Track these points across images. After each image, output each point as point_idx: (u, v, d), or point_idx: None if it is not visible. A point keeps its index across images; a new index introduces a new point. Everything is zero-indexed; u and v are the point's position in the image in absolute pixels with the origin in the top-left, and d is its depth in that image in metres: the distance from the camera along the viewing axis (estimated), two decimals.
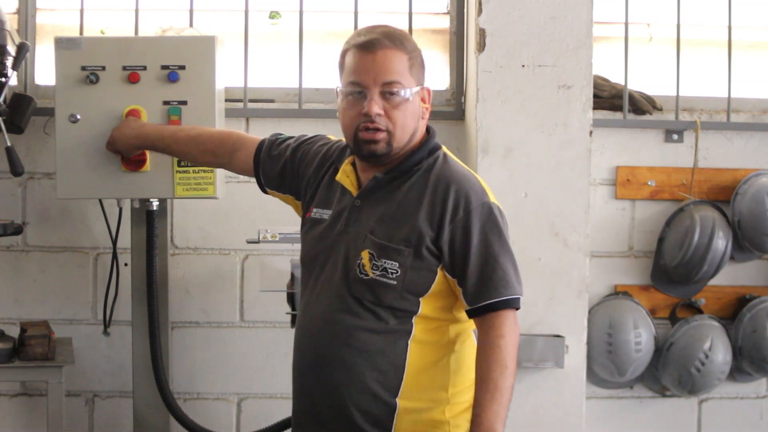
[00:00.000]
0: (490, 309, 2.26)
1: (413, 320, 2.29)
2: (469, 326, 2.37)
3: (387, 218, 2.29)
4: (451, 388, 2.33)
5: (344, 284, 2.29)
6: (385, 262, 2.26)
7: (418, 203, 2.28)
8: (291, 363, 3.84)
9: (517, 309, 2.30)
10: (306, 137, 2.60)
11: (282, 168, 2.57)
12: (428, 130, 2.40)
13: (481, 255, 2.26)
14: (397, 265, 2.25)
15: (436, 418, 2.31)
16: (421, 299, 2.28)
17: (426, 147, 2.35)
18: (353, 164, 2.40)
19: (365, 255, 2.28)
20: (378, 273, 2.26)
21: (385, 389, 2.28)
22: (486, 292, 2.26)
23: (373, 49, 2.26)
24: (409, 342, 2.29)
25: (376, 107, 2.25)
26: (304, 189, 2.50)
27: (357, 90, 2.28)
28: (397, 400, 2.28)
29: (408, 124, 2.30)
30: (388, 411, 2.28)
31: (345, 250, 2.31)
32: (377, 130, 2.26)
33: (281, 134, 2.66)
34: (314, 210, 2.42)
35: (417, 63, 2.32)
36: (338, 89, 2.35)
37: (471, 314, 2.29)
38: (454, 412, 2.33)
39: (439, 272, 2.28)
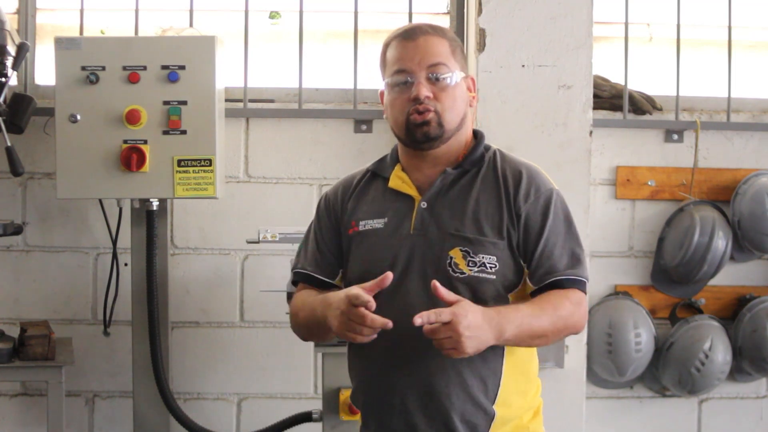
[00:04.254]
0: (556, 286, 2.22)
1: None
2: None
3: (471, 214, 2.25)
4: (530, 393, 2.31)
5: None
6: (483, 257, 2.21)
7: (497, 196, 2.26)
8: (292, 363, 3.85)
9: (585, 293, 2.26)
10: (314, 218, 2.47)
11: (327, 249, 2.40)
12: (476, 134, 2.39)
13: (552, 236, 2.24)
14: (495, 258, 2.21)
15: (518, 425, 2.28)
16: (510, 296, 2.24)
17: (482, 143, 2.35)
18: (404, 170, 2.34)
19: (456, 253, 2.22)
20: (476, 269, 2.21)
21: (487, 397, 2.22)
22: (555, 271, 2.23)
23: (414, 36, 2.27)
24: (504, 347, 2.23)
25: (425, 90, 2.24)
26: (343, 223, 2.38)
27: (403, 79, 2.26)
28: (494, 407, 2.23)
29: (458, 106, 2.28)
30: (488, 419, 2.23)
31: (425, 252, 2.24)
32: (427, 110, 2.24)
33: (297, 261, 2.49)
34: (361, 223, 2.32)
35: (458, 50, 2.32)
36: (384, 83, 2.31)
37: (538, 293, 2.24)
38: (529, 416, 2.30)
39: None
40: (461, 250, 2.22)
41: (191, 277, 3.76)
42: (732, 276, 3.92)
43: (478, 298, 2.20)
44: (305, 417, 3.41)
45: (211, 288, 3.78)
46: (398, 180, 2.33)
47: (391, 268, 2.23)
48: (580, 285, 2.25)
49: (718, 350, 3.77)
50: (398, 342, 2.22)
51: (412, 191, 2.31)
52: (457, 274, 2.21)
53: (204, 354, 3.78)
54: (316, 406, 3.43)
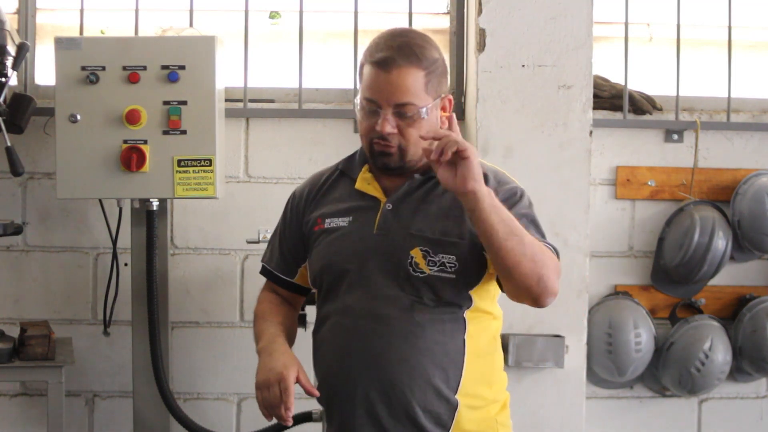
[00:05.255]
0: None
1: (465, 315, 2.28)
2: (501, 324, 2.41)
3: (433, 215, 2.29)
4: (495, 385, 2.35)
5: (396, 285, 2.26)
6: (442, 257, 2.24)
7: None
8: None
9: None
10: (282, 214, 2.53)
11: (286, 247, 2.49)
12: None
13: (522, 220, 2.23)
14: (455, 258, 2.24)
15: (486, 416, 2.32)
16: (471, 292, 2.28)
17: None
18: (371, 171, 2.39)
19: (417, 253, 2.25)
20: (436, 269, 2.24)
21: (448, 387, 2.26)
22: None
23: (387, 68, 2.23)
24: (465, 338, 2.28)
25: (388, 126, 2.25)
26: (308, 221, 2.44)
27: (371, 108, 2.27)
28: (457, 397, 2.27)
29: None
30: (450, 409, 2.27)
31: (387, 251, 2.28)
32: (388, 145, 2.27)
33: (265, 253, 2.57)
34: (327, 220, 2.38)
35: (435, 75, 2.28)
36: (356, 99, 2.34)
37: None
38: (497, 409, 2.35)
39: (489, 262, 2.28)
40: (421, 250, 2.26)
41: (191, 277, 3.76)
42: (732, 276, 3.92)
43: (439, 297, 2.25)
44: (305, 417, 3.41)
45: (211, 288, 3.78)
46: (364, 182, 2.38)
47: (351, 264, 2.31)
48: (555, 253, 2.25)
49: (718, 350, 3.77)
50: (358, 336, 2.28)
51: (377, 193, 2.36)
52: (418, 274, 2.26)
53: (204, 354, 3.78)
54: (316, 406, 3.43)
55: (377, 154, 2.29)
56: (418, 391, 2.25)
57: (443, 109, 2.32)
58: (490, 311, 2.35)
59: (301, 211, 2.46)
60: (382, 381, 2.26)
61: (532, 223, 2.29)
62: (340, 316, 2.33)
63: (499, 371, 2.39)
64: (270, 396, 2.27)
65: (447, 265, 2.25)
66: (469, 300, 2.29)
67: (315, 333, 2.42)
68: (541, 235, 2.29)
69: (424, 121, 2.26)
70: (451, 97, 2.36)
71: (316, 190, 2.46)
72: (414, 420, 2.25)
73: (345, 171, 2.45)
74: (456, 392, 2.27)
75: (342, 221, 2.36)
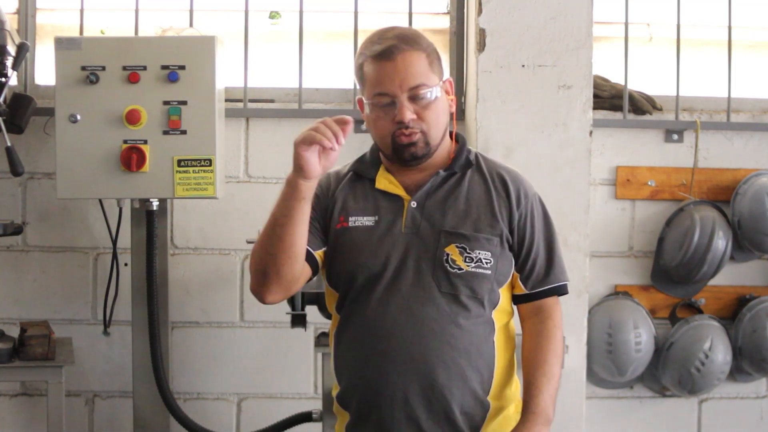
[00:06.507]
0: (548, 294, 2.36)
1: (494, 315, 2.30)
2: (516, 322, 2.43)
3: (463, 212, 2.30)
4: (513, 385, 2.38)
5: (433, 282, 2.25)
6: (479, 253, 2.27)
7: (487, 195, 2.32)
8: (292, 363, 3.84)
9: (565, 293, 2.42)
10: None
11: (315, 219, 2.39)
12: (457, 137, 2.41)
13: (543, 240, 2.36)
14: (490, 254, 2.27)
15: (506, 415, 2.34)
16: (500, 290, 2.32)
17: (466, 146, 2.40)
18: (389, 171, 2.36)
19: (453, 250, 2.26)
20: (473, 265, 2.26)
21: (483, 389, 2.28)
22: (548, 277, 2.36)
23: (391, 56, 2.24)
24: (494, 339, 2.30)
25: (409, 113, 2.24)
26: (328, 213, 2.38)
27: (386, 101, 2.26)
28: (489, 399, 2.29)
29: (441, 121, 2.31)
30: (483, 411, 2.29)
31: (420, 250, 2.27)
32: (413, 133, 2.26)
33: None
34: (351, 219, 2.34)
35: (435, 58, 2.32)
36: (364, 101, 2.31)
37: (526, 299, 2.37)
38: (514, 407, 2.36)
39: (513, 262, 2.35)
40: (457, 247, 2.27)
41: (191, 277, 3.76)
42: (732, 276, 3.91)
43: (474, 292, 2.27)
44: (305, 417, 3.41)
45: (211, 288, 3.78)
46: (385, 181, 2.36)
47: (384, 265, 2.28)
48: (564, 290, 2.40)
49: (718, 350, 3.77)
50: (396, 338, 2.25)
51: (400, 191, 2.34)
52: (455, 270, 2.26)
53: (204, 354, 3.78)
54: (316, 406, 3.43)
55: (403, 147, 2.27)
56: (458, 392, 2.25)
57: (447, 92, 2.35)
58: (509, 310, 2.38)
59: (329, 197, 2.37)
60: (422, 383, 2.25)
61: (553, 251, 2.39)
62: (373, 318, 2.28)
63: (515, 371, 2.41)
64: (326, 123, 2.18)
65: (483, 261, 2.27)
66: (498, 298, 2.31)
67: (340, 333, 2.36)
68: (560, 263, 2.39)
69: (439, 104, 2.29)
70: (450, 79, 2.39)
71: (339, 184, 2.40)
72: (453, 422, 2.25)
73: (360, 173, 2.39)
74: (488, 394, 2.29)
75: (368, 220, 2.33)
